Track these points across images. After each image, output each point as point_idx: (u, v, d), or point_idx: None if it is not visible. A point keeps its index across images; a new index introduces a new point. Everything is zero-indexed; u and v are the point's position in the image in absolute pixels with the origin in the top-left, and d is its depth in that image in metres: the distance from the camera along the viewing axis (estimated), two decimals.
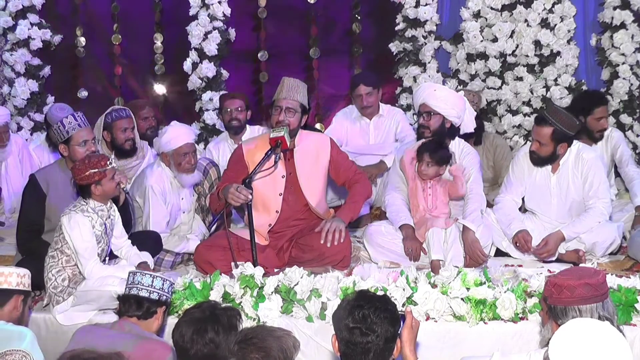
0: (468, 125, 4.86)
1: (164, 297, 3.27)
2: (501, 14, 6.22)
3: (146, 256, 4.17)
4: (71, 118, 4.37)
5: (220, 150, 5.68)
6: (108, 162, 3.88)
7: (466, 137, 5.08)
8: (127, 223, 4.33)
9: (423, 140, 4.69)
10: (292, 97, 4.40)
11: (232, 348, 2.55)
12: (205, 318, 2.90)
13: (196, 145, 6.07)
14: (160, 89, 6.86)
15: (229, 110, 5.60)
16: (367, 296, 2.58)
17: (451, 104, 4.71)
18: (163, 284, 3.25)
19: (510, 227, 4.62)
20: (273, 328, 2.57)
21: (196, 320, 2.89)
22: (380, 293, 3.28)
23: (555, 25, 6.15)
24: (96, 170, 3.82)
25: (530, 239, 4.55)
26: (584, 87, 6.18)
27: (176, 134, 4.71)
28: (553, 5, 6.14)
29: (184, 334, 2.85)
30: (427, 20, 6.33)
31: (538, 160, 4.61)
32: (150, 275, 3.25)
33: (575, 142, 4.63)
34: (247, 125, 5.68)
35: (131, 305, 3.22)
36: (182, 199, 4.79)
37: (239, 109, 5.60)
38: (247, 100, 5.73)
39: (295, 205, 4.53)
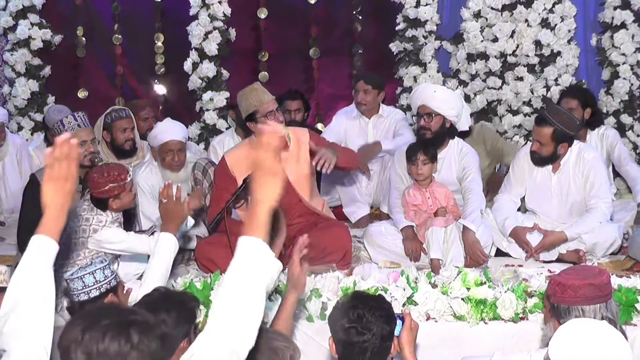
0: (463, 123, 4.87)
1: (104, 286, 3.11)
2: (501, 14, 6.22)
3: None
4: (71, 118, 4.38)
5: (225, 146, 5.59)
6: (128, 175, 3.76)
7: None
8: (129, 220, 4.34)
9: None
10: (271, 98, 4.38)
11: None
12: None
13: (195, 145, 6.04)
14: (160, 89, 6.85)
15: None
16: (362, 296, 2.60)
17: (451, 104, 4.72)
18: (95, 277, 3.08)
19: (505, 223, 4.60)
20: (273, 336, 2.44)
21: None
22: (380, 293, 3.28)
23: (556, 25, 6.15)
24: (116, 184, 3.69)
25: (527, 231, 4.54)
26: (585, 87, 6.18)
27: (164, 129, 4.71)
28: (553, 5, 6.14)
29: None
30: (427, 20, 6.33)
31: (539, 160, 4.61)
32: (80, 277, 3.08)
33: (576, 141, 4.63)
34: None
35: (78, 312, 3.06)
36: None
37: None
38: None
39: (289, 204, 4.48)
